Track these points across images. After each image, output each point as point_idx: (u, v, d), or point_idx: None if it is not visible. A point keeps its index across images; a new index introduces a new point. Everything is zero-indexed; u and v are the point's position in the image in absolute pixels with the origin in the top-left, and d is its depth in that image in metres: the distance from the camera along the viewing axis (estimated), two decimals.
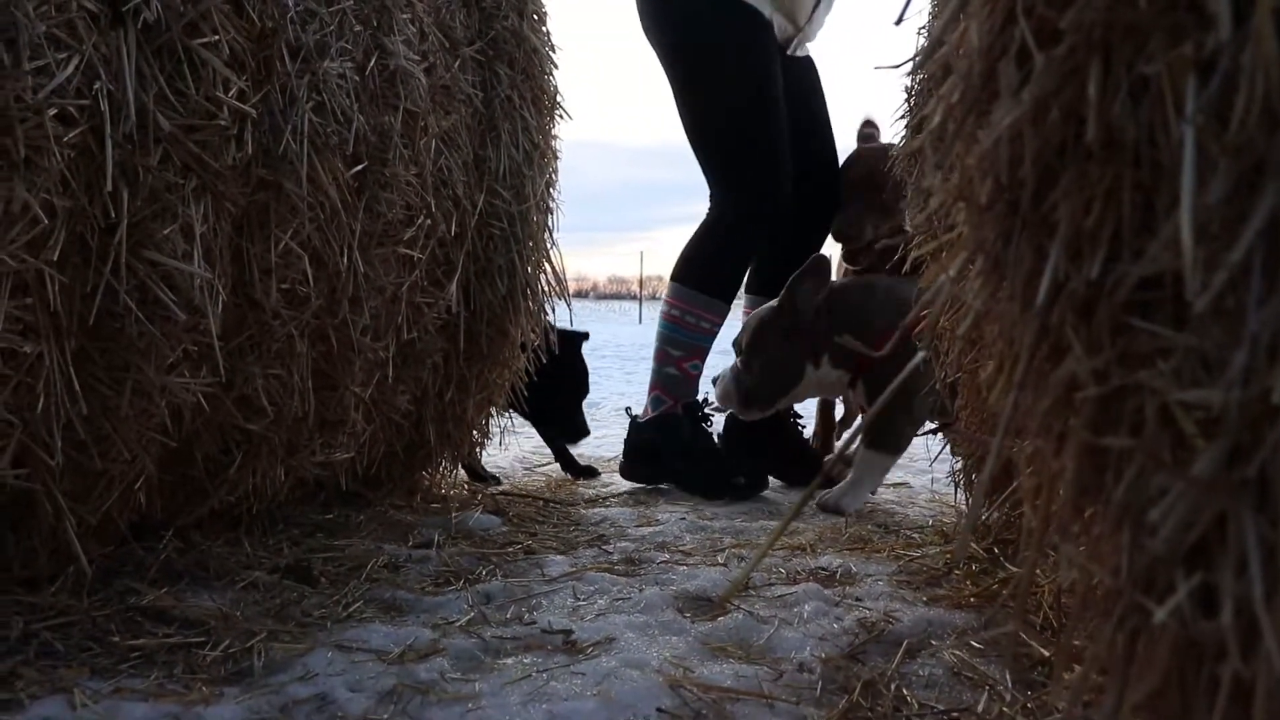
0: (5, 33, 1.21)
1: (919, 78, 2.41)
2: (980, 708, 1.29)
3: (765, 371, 2.79)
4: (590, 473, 3.24)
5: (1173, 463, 0.56)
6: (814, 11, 3.32)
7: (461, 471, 2.92)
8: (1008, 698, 1.32)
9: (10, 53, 1.21)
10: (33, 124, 1.26)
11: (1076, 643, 0.78)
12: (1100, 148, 0.62)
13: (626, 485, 3.08)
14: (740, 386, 2.84)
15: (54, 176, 1.30)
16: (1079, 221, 0.63)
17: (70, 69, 1.30)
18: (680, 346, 3.13)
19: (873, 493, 2.84)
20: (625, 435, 3.17)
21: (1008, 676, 1.39)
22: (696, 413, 3.15)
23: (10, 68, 1.22)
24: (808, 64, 3.46)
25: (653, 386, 3.18)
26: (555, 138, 2.66)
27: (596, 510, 2.61)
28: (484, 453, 2.93)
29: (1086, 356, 0.61)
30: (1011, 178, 0.67)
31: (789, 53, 3.33)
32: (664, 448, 3.08)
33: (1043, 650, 1.48)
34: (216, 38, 1.53)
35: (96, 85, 1.35)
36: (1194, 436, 0.55)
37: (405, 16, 2.07)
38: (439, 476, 2.75)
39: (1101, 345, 0.61)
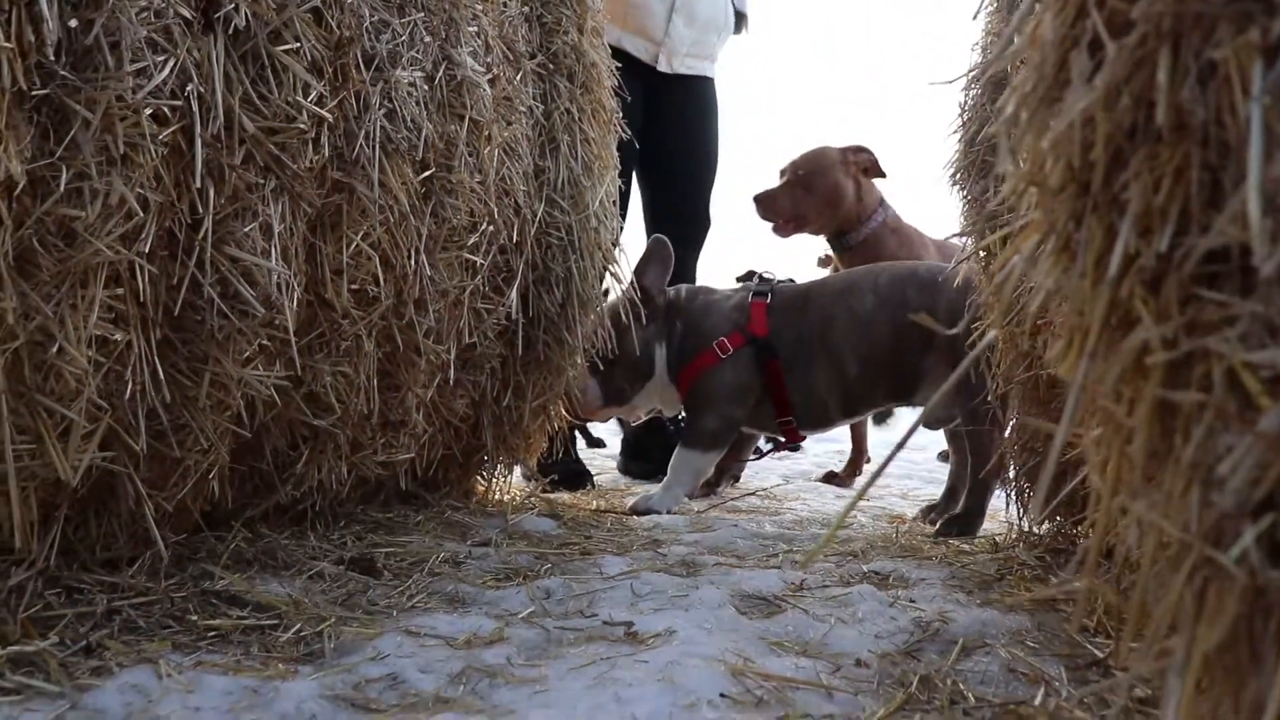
0: (110, 36, 1.27)
1: (972, 92, 2.44)
2: (1037, 701, 1.31)
3: (621, 361, 2.95)
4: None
5: (1240, 421, 0.59)
6: (668, 25, 3.56)
7: (516, 476, 2.97)
8: (1064, 693, 1.34)
9: (114, 55, 1.28)
10: (131, 122, 1.32)
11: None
12: (1170, 130, 0.65)
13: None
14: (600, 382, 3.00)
15: (148, 172, 1.36)
16: (1148, 199, 0.66)
17: (166, 72, 1.36)
18: None
19: (688, 496, 2.98)
20: (621, 437, 3.88)
21: (1064, 673, 1.41)
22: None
23: (113, 69, 1.28)
24: (692, 83, 3.75)
25: None
26: (612, 150, 2.72)
27: (649, 518, 2.65)
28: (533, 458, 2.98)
29: (1156, 325, 0.64)
30: (1083, 160, 0.71)
31: (660, 69, 3.63)
32: (655, 445, 3.72)
33: (1097, 652, 1.50)
34: (298, 45, 1.60)
35: (189, 87, 1.42)
36: (1259, 395, 0.58)
37: (471, 29, 2.13)
38: (495, 481, 2.80)
39: (1170, 315, 0.65)
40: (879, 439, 4.88)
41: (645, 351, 2.95)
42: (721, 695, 1.30)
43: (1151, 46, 0.67)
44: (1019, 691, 1.37)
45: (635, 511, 2.79)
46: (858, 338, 2.77)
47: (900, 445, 0.94)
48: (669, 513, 2.77)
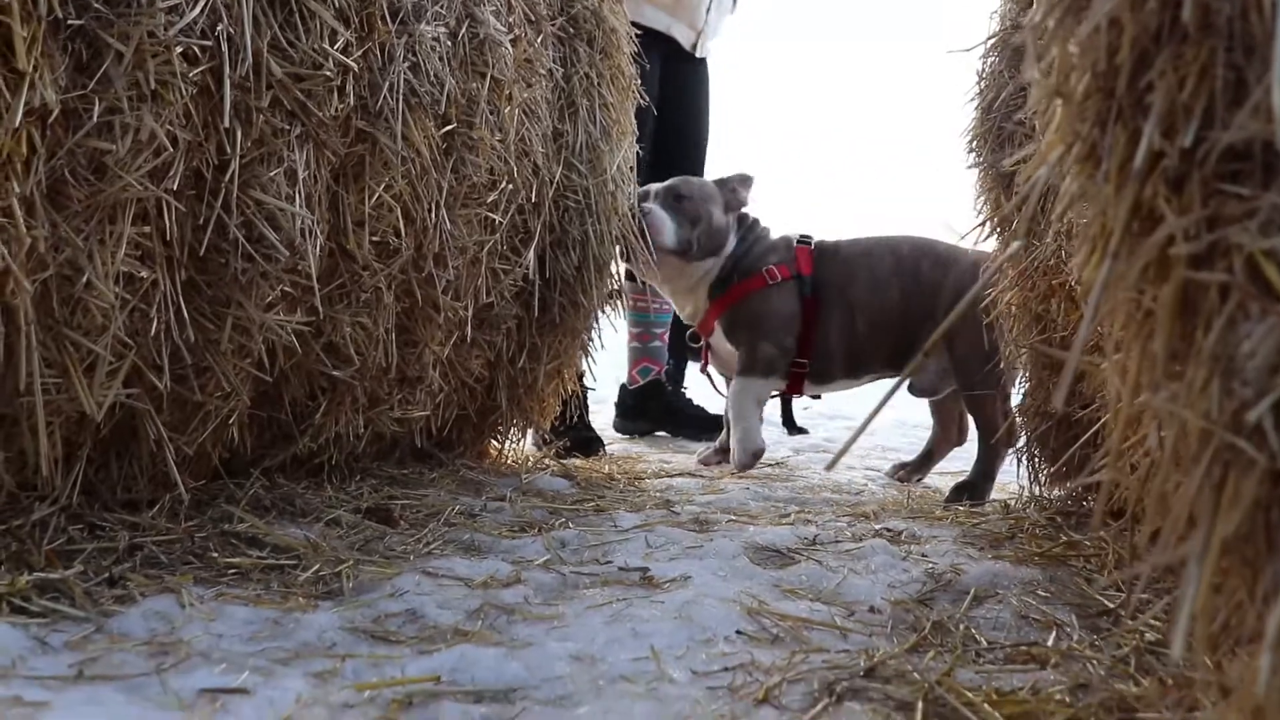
0: None
1: (990, 60, 2.44)
2: (1050, 644, 1.32)
3: (702, 220, 2.92)
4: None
5: (1261, 304, 0.60)
6: (708, 14, 3.90)
7: (528, 443, 2.98)
8: (1075, 637, 1.36)
9: None
10: (162, 59, 1.34)
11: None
12: (1196, 28, 0.66)
13: (688, 462, 3.15)
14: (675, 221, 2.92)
15: (178, 110, 1.38)
16: (1173, 97, 0.67)
17: (197, 10, 1.38)
18: (660, 325, 4.09)
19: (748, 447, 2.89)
20: (617, 399, 4.21)
21: (1075, 619, 1.42)
22: (676, 376, 4.26)
23: (146, 5, 1.30)
24: (703, 64, 4.09)
25: (640, 359, 4.09)
26: (630, 116, 2.73)
27: (661, 480, 2.67)
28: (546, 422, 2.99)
29: (1179, 218, 0.65)
30: (1108, 65, 0.72)
31: (697, 54, 3.96)
32: (652, 408, 4.10)
33: (1107, 602, 1.51)
34: None
35: (219, 28, 1.43)
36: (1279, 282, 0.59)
37: None
38: (509, 443, 2.81)
39: (1192, 210, 0.66)
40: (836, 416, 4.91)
41: (722, 233, 2.93)
42: (738, 632, 1.32)
43: None
44: (1031, 636, 1.38)
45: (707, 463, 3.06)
46: (870, 296, 2.83)
47: (887, 398, 0.96)
48: (748, 461, 2.83)
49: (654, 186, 2.96)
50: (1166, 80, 0.68)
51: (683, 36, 3.86)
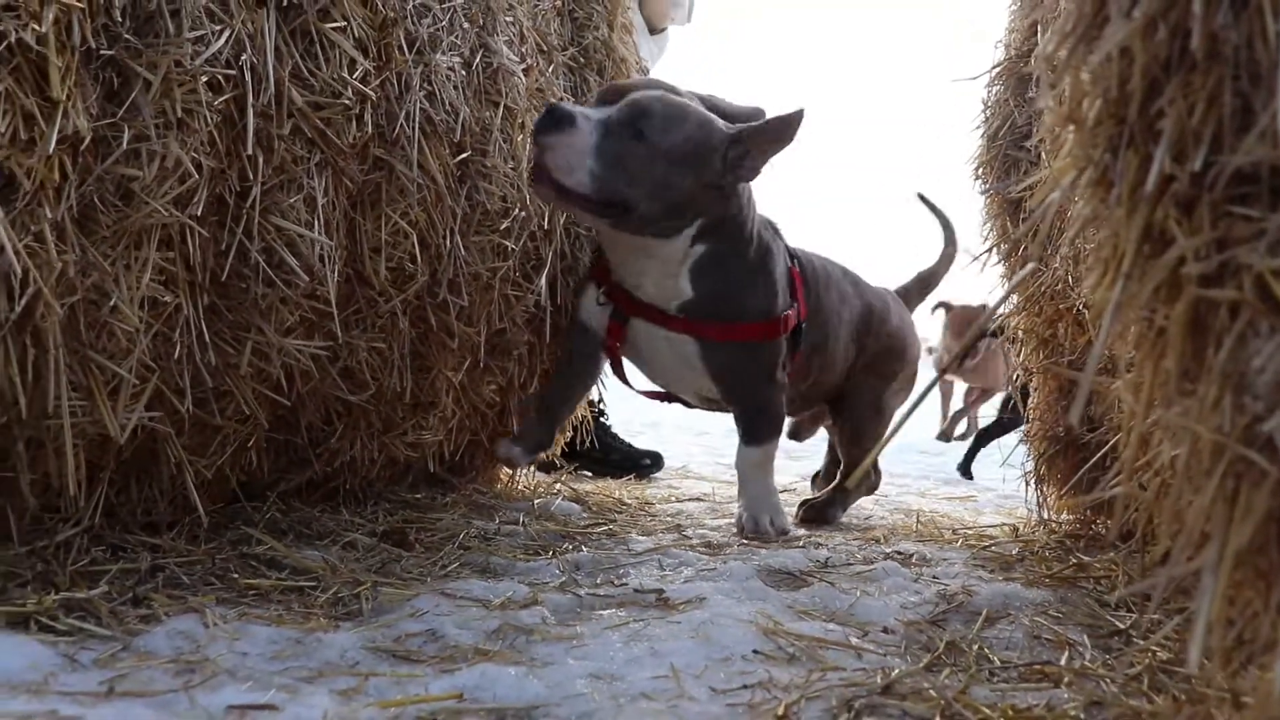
0: (172, 3, 1.32)
1: (995, 89, 2.48)
2: (1062, 663, 1.34)
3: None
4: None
5: (1271, 322, 0.63)
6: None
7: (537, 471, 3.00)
8: (1088, 656, 1.37)
9: (174, 21, 1.33)
10: (188, 87, 1.37)
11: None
12: (1204, 57, 0.69)
13: (699, 488, 3.16)
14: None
15: (203, 137, 1.41)
16: (1183, 124, 0.70)
17: (222, 41, 1.41)
18: None
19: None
20: None
21: (1087, 639, 1.44)
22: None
23: (173, 35, 1.33)
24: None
25: None
26: None
27: (671, 505, 2.69)
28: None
29: (1189, 240, 0.68)
30: (1120, 93, 0.74)
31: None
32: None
33: (1118, 623, 1.53)
34: (345, 23, 1.64)
35: (243, 58, 1.47)
36: None
37: (507, 19, 2.18)
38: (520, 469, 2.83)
39: (1202, 231, 0.68)
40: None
41: (734, 199, 2.13)
42: (754, 651, 1.33)
43: None
44: (1044, 656, 1.39)
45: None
46: (835, 338, 2.47)
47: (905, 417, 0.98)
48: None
49: (624, 99, 2.02)
50: (1176, 107, 0.70)
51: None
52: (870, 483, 2.80)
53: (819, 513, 2.56)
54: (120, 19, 1.29)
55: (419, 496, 2.36)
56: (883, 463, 4.30)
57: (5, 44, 1.13)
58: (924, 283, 2.90)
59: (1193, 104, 0.70)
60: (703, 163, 2.02)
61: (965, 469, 4.10)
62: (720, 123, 2.07)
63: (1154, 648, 1.36)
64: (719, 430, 5.23)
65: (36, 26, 1.15)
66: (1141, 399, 0.74)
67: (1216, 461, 0.67)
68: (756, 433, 2.27)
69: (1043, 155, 1.84)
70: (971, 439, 4.24)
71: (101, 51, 1.28)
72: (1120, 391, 0.86)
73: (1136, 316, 0.74)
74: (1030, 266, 0.91)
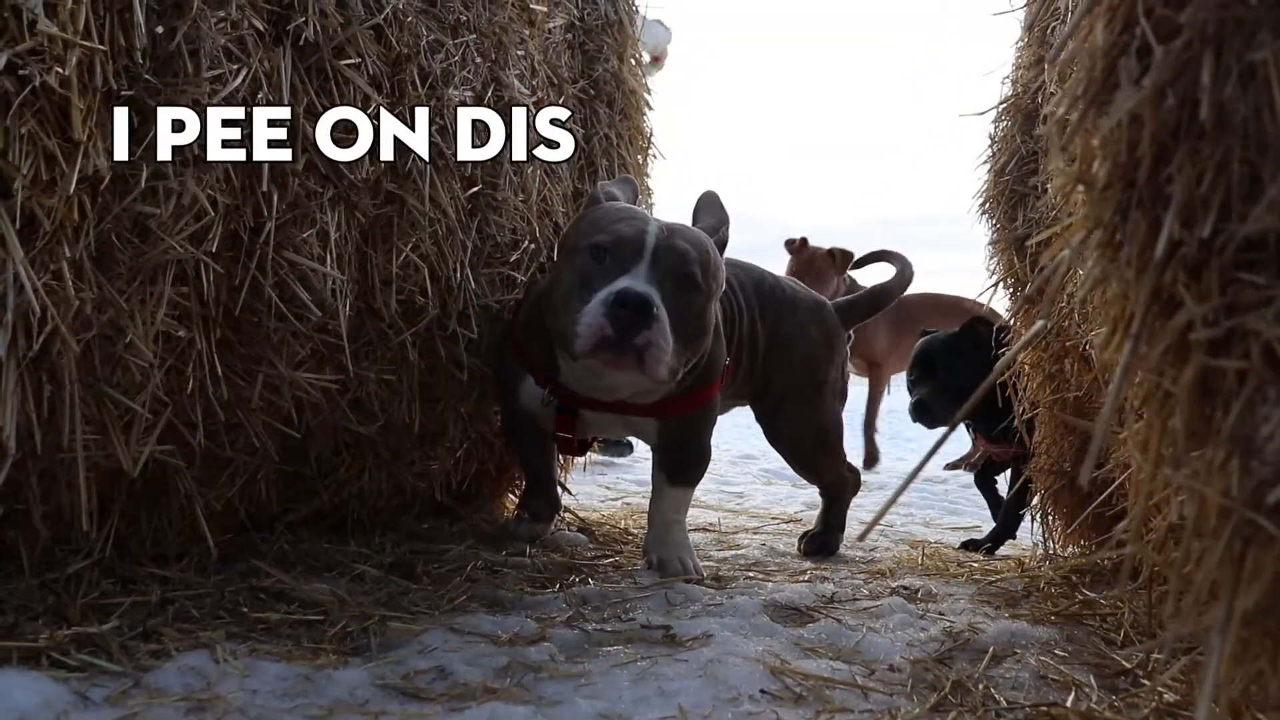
0: (191, 43, 1.34)
1: (1002, 124, 2.50)
2: (1069, 704, 1.34)
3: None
4: None
5: (1278, 389, 0.64)
6: None
7: None
8: (1095, 698, 1.38)
9: (193, 61, 1.35)
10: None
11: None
12: (1213, 126, 0.70)
13: (705, 517, 3.16)
14: None
15: (218, 174, 1.43)
16: (1192, 191, 0.71)
17: (239, 80, 1.43)
18: None
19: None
20: None
21: (1094, 680, 1.44)
22: None
23: (192, 74, 1.35)
24: None
25: None
26: (649, 176, 2.78)
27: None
28: (569, 475, 3.01)
29: (1197, 305, 0.69)
30: (1129, 157, 0.76)
31: None
32: None
33: (1125, 663, 1.53)
34: (359, 60, 1.66)
35: (259, 95, 1.48)
36: None
37: (519, 53, 2.20)
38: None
39: (1211, 297, 0.69)
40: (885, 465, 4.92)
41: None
42: (762, 691, 1.34)
43: (1196, 50, 0.72)
44: (1050, 696, 1.40)
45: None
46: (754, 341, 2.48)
47: (929, 453, 0.99)
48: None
49: (650, 249, 1.86)
50: (1185, 174, 0.71)
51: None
52: (853, 480, 2.75)
53: (822, 544, 2.58)
54: (141, 60, 1.31)
55: (425, 526, 2.37)
56: (889, 494, 4.32)
57: (30, 88, 1.14)
58: (876, 298, 2.85)
59: (1201, 171, 0.71)
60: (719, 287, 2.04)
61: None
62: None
63: (1160, 689, 1.36)
64: (724, 458, 5.23)
65: (60, 70, 1.17)
66: (1149, 456, 0.75)
67: (1224, 523, 0.68)
68: (689, 473, 2.24)
69: (1049, 192, 1.85)
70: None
71: (123, 93, 1.29)
72: (1128, 444, 0.87)
73: (1145, 376, 0.75)
74: (1039, 324, 0.92)
